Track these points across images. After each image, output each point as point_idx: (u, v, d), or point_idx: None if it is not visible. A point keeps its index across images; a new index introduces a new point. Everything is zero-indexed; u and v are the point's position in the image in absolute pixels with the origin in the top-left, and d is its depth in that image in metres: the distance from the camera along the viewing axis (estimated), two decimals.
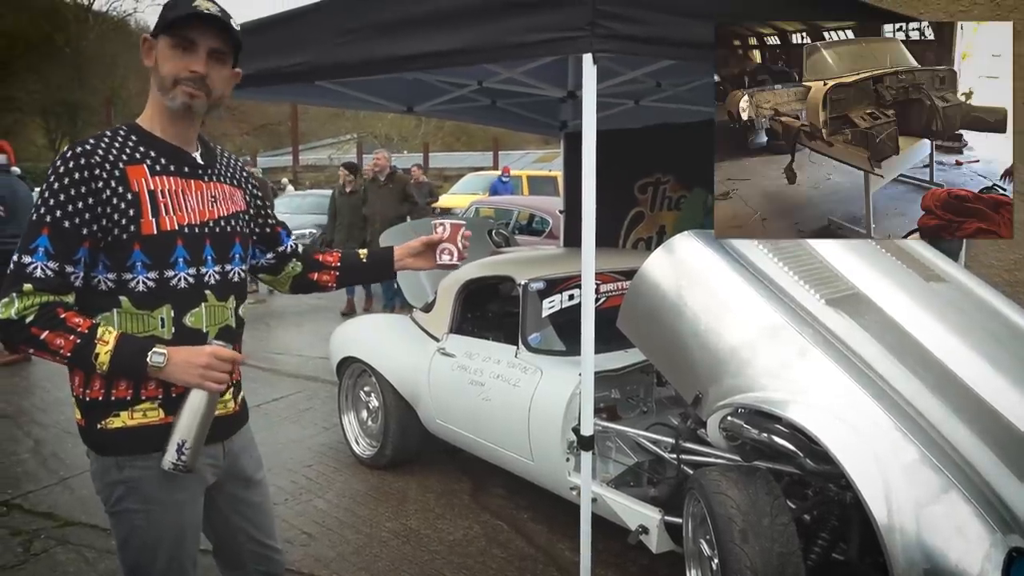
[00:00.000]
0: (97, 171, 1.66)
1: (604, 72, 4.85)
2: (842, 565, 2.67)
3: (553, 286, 3.90)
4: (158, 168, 1.75)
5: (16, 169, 7.67)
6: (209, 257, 1.80)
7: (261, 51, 4.31)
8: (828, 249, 3.11)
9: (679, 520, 2.95)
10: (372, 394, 4.56)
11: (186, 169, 1.80)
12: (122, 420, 1.73)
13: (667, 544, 2.98)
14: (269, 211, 2.11)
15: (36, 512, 3.89)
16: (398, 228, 6.12)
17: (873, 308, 2.88)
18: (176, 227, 1.74)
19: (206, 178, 1.84)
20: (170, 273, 1.73)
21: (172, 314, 1.74)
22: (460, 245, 2.19)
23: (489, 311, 4.53)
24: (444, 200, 19.38)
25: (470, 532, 3.75)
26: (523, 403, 3.54)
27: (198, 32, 1.71)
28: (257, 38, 4.31)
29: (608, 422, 3.44)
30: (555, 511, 3.81)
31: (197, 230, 1.78)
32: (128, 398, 1.73)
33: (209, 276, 1.80)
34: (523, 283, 3.87)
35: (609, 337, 4.00)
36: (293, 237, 2.19)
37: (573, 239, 6.57)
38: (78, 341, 1.62)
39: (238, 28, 1.78)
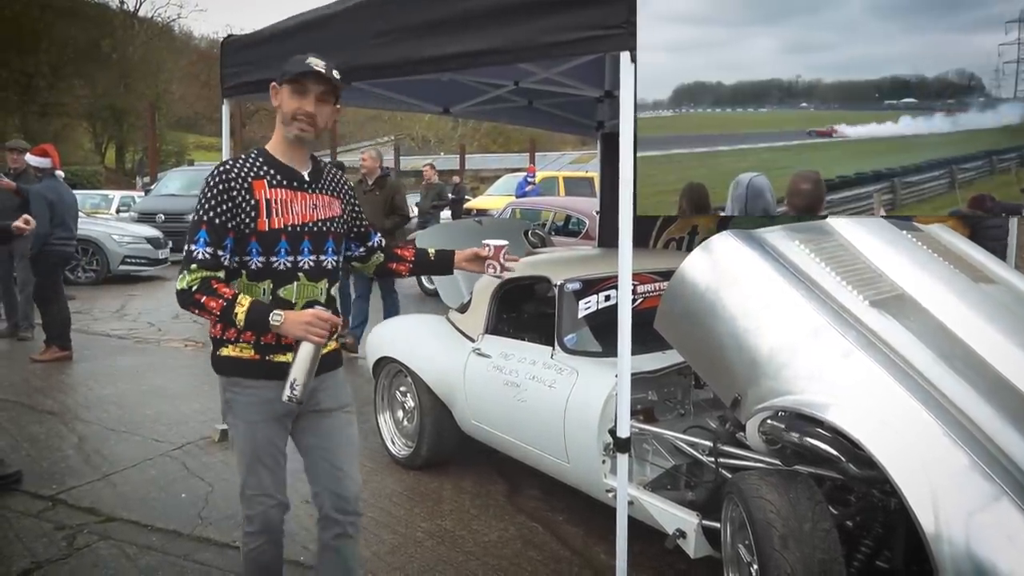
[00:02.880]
0: (234, 183, 2.32)
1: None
2: (886, 573, 2.60)
3: (589, 287, 3.87)
4: (274, 183, 2.38)
5: (60, 173, 7.83)
6: (306, 249, 2.42)
7: (297, 52, 4.36)
8: (872, 248, 3.03)
9: (717, 524, 2.90)
10: (408, 394, 4.57)
11: (295, 184, 2.42)
12: (228, 351, 2.42)
13: (705, 549, 2.93)
14: (362, 215, 2.69)
15: (80, 507, 3.96)
16: (436, 228, 6.13)
17: (920, 310, 2.80)
18: (281, 226, 2.37)
19: (310, 190, 2.46)
20: (274, 259, 2.38)
21: (271, 287, 2.39)
22: (501, 261, 2.74)
23: (525, 312, 4.51)
24: (479, 201, 19.44)
25: (505, 534, 3.73)
26: (559, 404, 3.52)
27: (310, 81, 2.35)
28: (291, 40, 4.37)
29: (645, 424, 3.39)
30: (591, 513, 3.77)
31: (299, 229, 2.40)
32: (233, 337, 2.41)
33: (304, 263, 2.42)
34: (559, 283, 3.84)
35: (646, 338, 3.95)
36: (379, 235, 2.78)
37: (609, 239, 6.53)
38: (224, 304, 2.27)
39: (338, 77, 2.37)
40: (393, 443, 4.64)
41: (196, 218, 2.32)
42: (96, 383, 6.39)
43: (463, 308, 4.49)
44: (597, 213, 6.84)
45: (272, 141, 2.45)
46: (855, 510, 2.75)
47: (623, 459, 2.84)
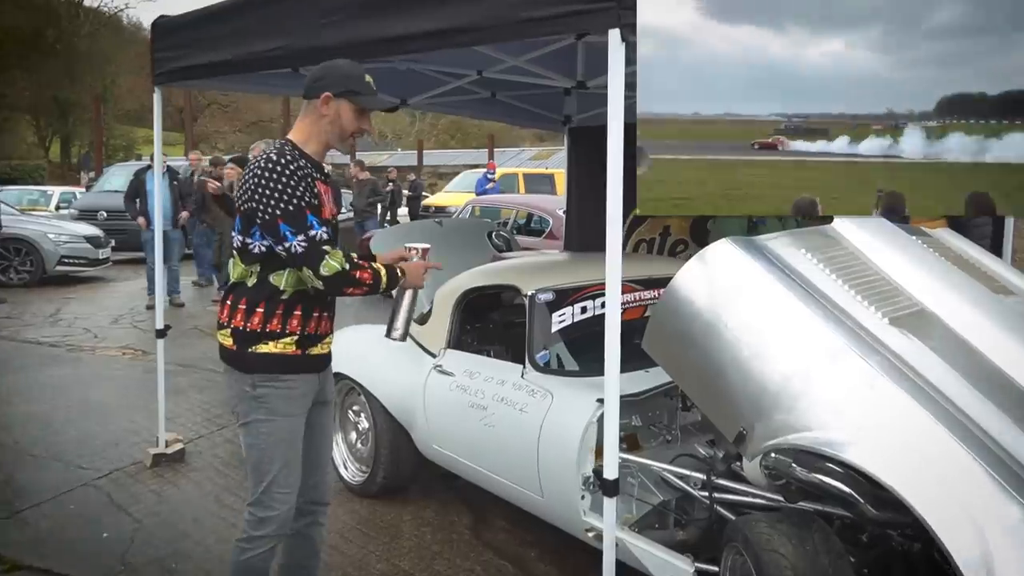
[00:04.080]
0: (306, 175, 2.38)
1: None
2: None
3: (563, 297, 3.48)
4: (318, 177, 2.46)
5: None
6: (334, 240, 2.49)
7: (239, 34, 3.91)
8: (884, 257, 2.70)
9: (714, 568, 2.55)
10: (362, 414, 4.14)
11: (324, 178, 2.51)
12: (267, 347, 2.41)
13: None
14: None
15: None
16: (393, 229, 5.69)
17: (941, 327, 2.48)
18: (329, 217, 2.46)
19: (328, 185, 2.53)
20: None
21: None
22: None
23: (491, 323, 4.11)
24: (438, 198, 18.95)
25: (471, 575, 3.33)
26: (531, 431, 3.13)
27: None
28: (232, 20, 3.91)
29: (629, 454, 3.02)
30: (565, 548, 3.39)
31: (333, 221, 2.52)
32: (278, 331, 2.43)
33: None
34: (530, 294, 3.45)
35: (627, 355, 3.59)
36: None
37: (575, 242, 6.16)
38: (372, 272, 2.42)
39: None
40: (346, 468, 4.20)
41: (292, 208, 2.31)
42: (19, 398, 5.83)
43: (422, 319, 4.08)
44: (563, 212, 6.45)
45: (297, 138, 2.48)
46: (872, 557, 2.42)
47: (611, 504, 2.46)
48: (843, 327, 2.28)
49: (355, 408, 4.20)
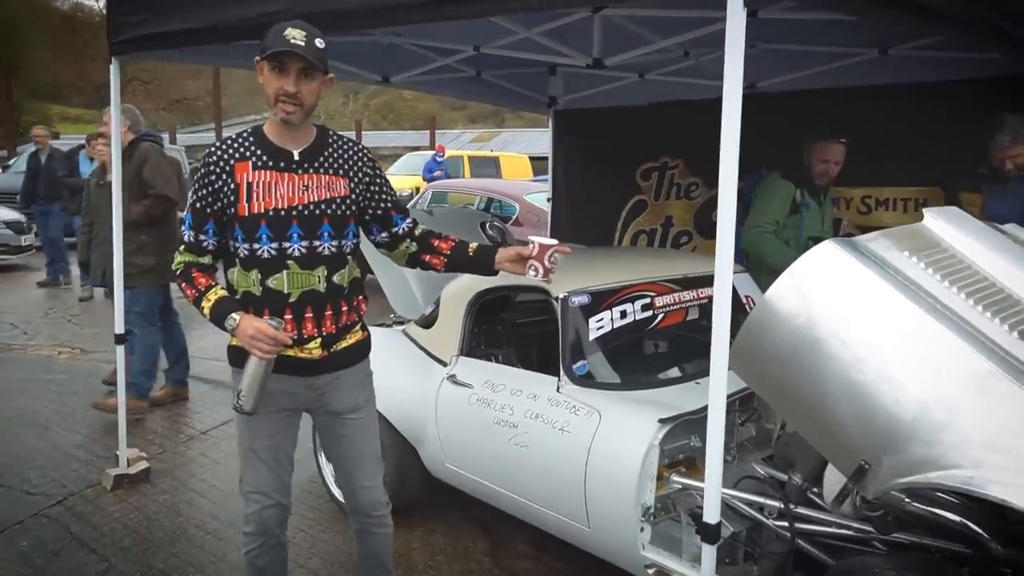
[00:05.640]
0: (214, 167, 2.25)
1: (631, 40, 4.10)
2: None
3: (600, 300, 3.12)
4: (259, 164, 2.25)
5: None
6: (295, 234, 2.26)
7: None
8: (984, 259, 2.41)
9: None
10: None
11: (282, 164, 2.27)
12: (234, 341, 2.33)
13: None
14: (387, 196, 2.47)
15: None
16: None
17: None
18: (261, 211, 2.23)
19: (300, 171, 2.28)
20: (256, 246, 2.25)
21: (259, 277, 2.27)
22: (547, 263, 2.37)
23: (511, 328, 3.72)
24: None
25: None
26: (576, 454, 2.77)
27: (288, 57, 2.17)
28: None
29: (690, 478, 2.70)
30: (599, 572, 3.05)
31: (283, 213, 2.25)
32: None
33: (293, 249, 2.26)
34: (562, 296, 3.08)
35: (671, 364, 3.29)
36: (409, 220, 2.52)
37: (567, 234, 5.80)
38: (196, 295, 2.29)
39: (322, 46, 2.20)
40: (332, 485, 3.76)
41: (188, 202, 2.32)
42: None
43: (427, 322, 3.67)
44: (549, 200, 6.08)
45: (268, 120, 2.31)
46: None
47: (710, 552, 2.12)
48: (981, 345, 1.98)
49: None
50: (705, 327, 3.47)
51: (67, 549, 3.37)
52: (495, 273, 2.51)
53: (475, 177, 16.51)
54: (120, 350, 4.01)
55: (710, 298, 3.43)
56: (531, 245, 2.35)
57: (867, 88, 4.32)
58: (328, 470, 3.80)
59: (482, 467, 3.21)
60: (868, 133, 4.15)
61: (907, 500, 2.16)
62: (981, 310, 2.15)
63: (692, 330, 3.33)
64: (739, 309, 3.52)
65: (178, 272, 2.34)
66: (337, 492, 3.73)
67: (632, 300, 3.16)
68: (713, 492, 2.08)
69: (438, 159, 15.98)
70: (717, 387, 2.04)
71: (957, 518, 2.13)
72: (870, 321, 2.06)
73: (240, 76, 35.14)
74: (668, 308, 3.22)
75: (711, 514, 2.08)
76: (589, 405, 2.84)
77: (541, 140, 26.68)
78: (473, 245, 2.52)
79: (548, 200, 6.08)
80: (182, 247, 2.33)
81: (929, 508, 2.17)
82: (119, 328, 3.97)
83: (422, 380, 3.45)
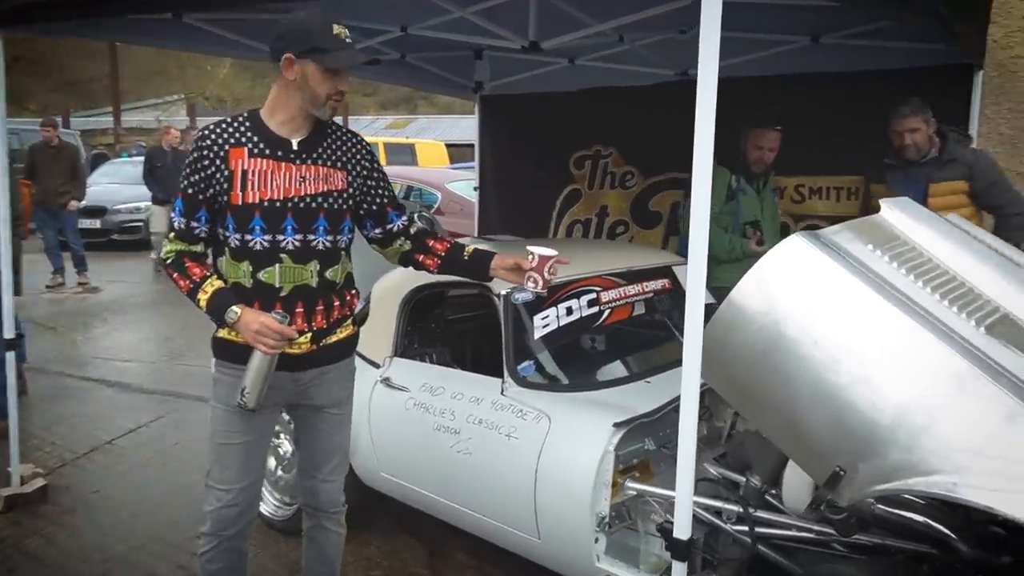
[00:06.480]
0: (207, 152, 2.16)
1: (568, 23, 3.94)
2: None
3: (544, 296, 2.95)
4: (255, 151, 2.17)
5: None
6: (289, 227, 2.17)
7: None
8: (942, 251, 2.36)
9: None
10: (283, 436, 3.46)
11: (279, 153, 2.18)
12: (223, 332, 2.26)
13: None
14: (383, 192, 2.39)
15: None
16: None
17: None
18: (256, 201, 2.15)
19: (298, 162, 2.19)
20: (249, 237, 2.17)
21: (251, 269, 2.19)
22: (546, 275, 2.29)
23: (449, 326, 3.51)
24: None
25: None
26: (526, 462, 2.61)
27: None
28: None
29: (645, 484, 2.57)
30: None
31: (278, 204, 2.16)
32: None
33: (287, 243, 2.18)
34: (504, 293, 2.90)
35: (618, 363, 3.17)
36: (404, 218, 2.44)
37: (495, 224, 5.62)
38: (191, 286, 2.19)
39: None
40: (265, 501, 3.50)
41: (180, 187, 2.20)
42: None
43: (357, 320, 3.42)
44: (476, 189, 5.88)
45: (266, 107, 2.21)
46: None
47: (681, 569, 1.98)
48: (957, 343, 1.91)
49: (275, 429, 3.49)
50: (652, 323, 3.39)
51: None
52: (489, 279, 2.43)
53: (391, 165, 16.15)
54: (10, 356, 3.62)
55: (656, 292, 3.35)
56: (530, 256, 2.26)
57: (801, 76, 4.28)
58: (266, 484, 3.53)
59: (421, 476, 3.01)
60: (802, 121, 4.12)
61: (874, 503, 2.09)
62: (947, 305, 2.08)
63: (639, 326, 3.21)
64: (683, 302, 3.43)
65: (168, 261, 2.22)
66: (266, 507, 3.48)
67: (578, 296, 3.01)
68: (684, 506, 1.95)
69: None
70: (689, 396, 1.90)
71: (920, 518, 2.07)
72: (843, 320, 1.97)
73: (140, 57, 33.50)
74: (614, 303, 3.08)
75: (682, 529, 1.95)
76: (537, 409, 2.68)
77: (456, 127, 26.35)
78: (469, 248, 2.44)
79: (475, 189, 5.88)
80: (172, 235, 2.21)
81: (896, 511, 2.10)
82: (8, 333, 3.58)
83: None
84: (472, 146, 6.04)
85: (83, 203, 9.54)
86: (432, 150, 18.69)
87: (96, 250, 10.96)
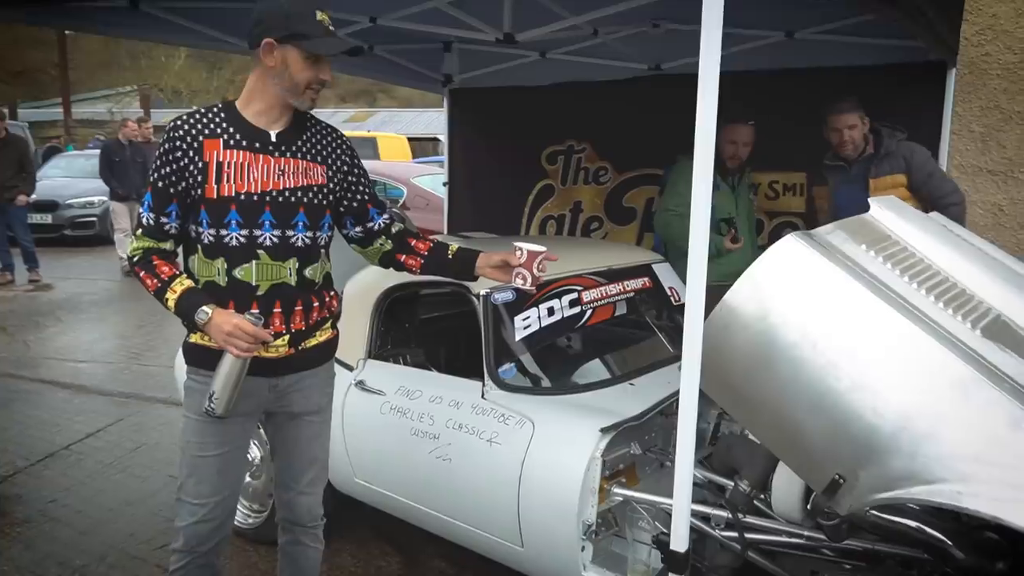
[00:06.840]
0: (180, 143, 2.03)
1: (543, 15, 3.85)
2: None
3: (525, 296, 2.87)
4: (231, 143, 2.06)
5: None
6: (267, 222, 2.08)
7: None
8: (932, 251, 2.33)
9: None
10: (254, 442, 3.33)
11: (257, 145, 2.08)
12: (195, 338, 2.16)
13: None
14: (364, 188, 2.29)
15: None
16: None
17: (1019, 337, 2.15)
18: (232, 194, 2.05)
19: (276, 154, 2.09)
20: (224, 232, 2.06)
21: (225, 266, 2.08)
22: (535, 271, 2.22)
23: (418, 324, 3.42)
24: None
25: None
26: (509, 469, 2.53)
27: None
28: None
29: (631, 489, 2.51)
30: None
31: (256, 198, 2.06)
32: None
33: (264, 238, 2.08)
34: (483, 293, 2.81)
35: (601, 364, 3.10)
36: (385, 216, 2.35)
37: (467, 221, 5.52)
38: (158, 285, 2.06)
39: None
40: None
41: (148, 180, 2.09)
42: None
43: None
44: (445, 184, 5.78)
45: (243, 97, 2.11)
46: None
47: None
48: (957, 348, 1.87)
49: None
50: (634, 323, 3.33)
51: None
52: (475, 279, 2.35)
53: None
54: None
55: (637, 292, 3.28)
56: (519, 252, 2.19)
57: (775, 72, 4.26)
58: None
59: (398, 482, 2.91)
60: (776, 118, 4.10)
61: (870, 510, 2.05)
62: (942, 307, 2.05)
63: (621, 326, 3.15)
64: (663, 301, 3.38)
65: (135, 259, 2.10)
66: (240, 508, 3.35)
67: (559, 296, 2.93)
68: (682, 517, 1.88)
69: None
70: (687, 404, 1.83)
71: (914, 524, 2.04)
72: (842, 324, 1.91)
73: (90, 47, 32.58)
74: (596, 303, 3.01)
75: (679, 541, 1.89)
76: (520, 413, 2.60)
77: (418, 121, 26.04)
78: (453, 247, 2.35)
79: (444, 184, 5.77)
80: (139, 231, 2.09)
81: (890, 517, 2.06)
82: None
83: None
84: (435, 140, 5.95)
85: (33, 198, 9.21)
86: (394, 143, 18.51)
87: (48, 246, 10.63)
